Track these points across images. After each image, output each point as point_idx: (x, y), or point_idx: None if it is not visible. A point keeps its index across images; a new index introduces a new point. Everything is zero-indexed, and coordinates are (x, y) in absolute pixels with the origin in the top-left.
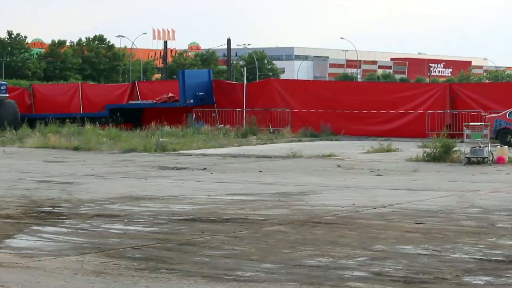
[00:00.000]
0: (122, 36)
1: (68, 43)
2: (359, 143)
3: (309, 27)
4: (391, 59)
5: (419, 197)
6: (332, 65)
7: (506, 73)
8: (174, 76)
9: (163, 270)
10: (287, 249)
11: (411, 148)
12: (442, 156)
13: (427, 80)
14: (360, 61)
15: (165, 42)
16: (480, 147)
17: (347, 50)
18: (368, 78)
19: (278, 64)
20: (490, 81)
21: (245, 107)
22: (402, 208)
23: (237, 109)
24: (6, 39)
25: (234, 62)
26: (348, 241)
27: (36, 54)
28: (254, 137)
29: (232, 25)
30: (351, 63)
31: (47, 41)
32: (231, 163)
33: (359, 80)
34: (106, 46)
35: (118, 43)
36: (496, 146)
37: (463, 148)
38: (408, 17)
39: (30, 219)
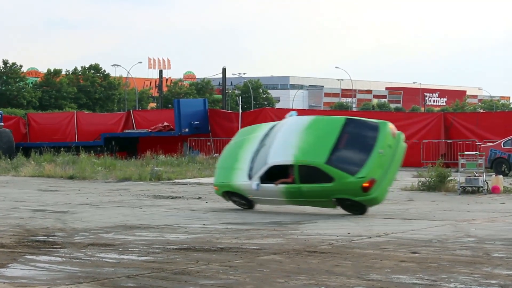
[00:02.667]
0: (118, 65)
1: (63, 72)
2: None
3: (304, 57)
4: (386, 88)
5: (414, 227)
6: (327, 94)
7: (500, 102)
8: (169, 105)
9: None
10: (282, 278)
11: (406, 177)
12: (437, 185)
13: (422, 109)
14: (355, 90)
15: (161, 71)
16: (475, 176)
17: (342, 79)
18: (363, 108)
19: (273, 93)
20: (484, 111)
21: None
22: (397, 238)
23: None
24: (1, 68)
25: (230, 91)
26: (343, 270)
27: (32, 83)
28: None
29: (227, 54)
30: (346, 92)
31: (43, 70)
32: None
33: (354, 109)
34: (101, 75)
35: (113, 72)
36: (491, 175)
37: (458, 178)
38: (403, 47)
39: (24, 248)
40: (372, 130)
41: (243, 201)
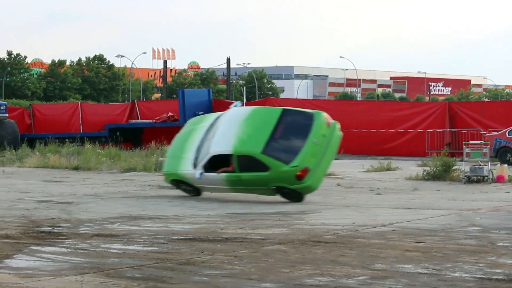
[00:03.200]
0: (122, 56)
1: (68, 63)
2: (358, 162)
3: (309, 46)
4: (391, 77)
5: (419, 216)
6: (332, 84)
7: (505, 91)
8: (174, 96)
9: None
10: (287, 268)
11: (411, 166)
12: (442, 175)
13: (427, 98)
14: (359, 80)
15: (165, 62)
16: (480, 165)
17: (346, 69)
18: (367, 97)
19: (277, 83)
20: (489, 100)
21: None
22: (402, 227)
23: None
24: (5, 59)
25: (234, 81)
26: (348, 260)
27: (36, 74)
28: None
29: (232, 45)
30: (350, 82)
31: (47, 61)
32: None
33: (358, 99)
34: (106, 65)
35: (118, 63)
36: (496, 164)
37: (463, 167)
38: (407, 36)
39: (29, 239)
40: (307, 120)
41: (190, 188)
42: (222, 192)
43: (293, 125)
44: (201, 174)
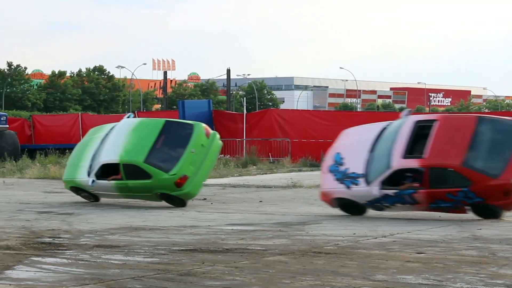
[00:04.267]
0: (122, 67)
1: (68, 74)
2: None
3: (309, 57)
4: (391, 88)
5: (419, 227)
6: (332, 95)
7: (505, 102)
8: (174, 107)
9: None
10: (288, 279)
11: None
12: None
13: (427, 109)
14: (359, 90)
15: (165, 73)
16: None
17: (346, 80)
18: (367, 108)
19: (277, 94)
20: (489, 111)
21: (245, 137)
22: (402, 238)
23: (237, 139)
24: (6, 70)
25: (234, 92)
26: (348, 271)
27: (36, 85)
28: (254, 167)
29: (232, 56)
30: (350, 93)
31: (47, 72)
32: (231, 193)
33: (358, 110)
34: (106, 76)
35: (118, 74)
36: None
37: None
38: (407, 47)
39: (30, 250)
40: (187, 131)
41: (88, 195)
42: (114, 198)
43: (174, 135)
44: (93, 181)
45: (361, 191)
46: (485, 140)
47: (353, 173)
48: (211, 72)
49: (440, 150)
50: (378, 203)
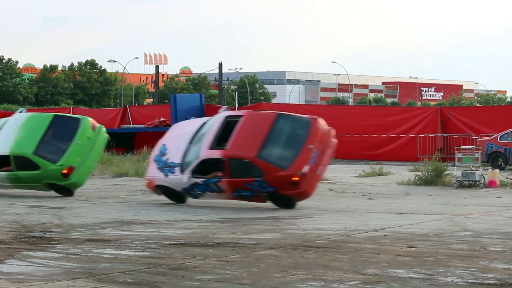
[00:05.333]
0: (114, 61)
1: (59, 68)
2: (350, 167)
3: (301, 51)
4: (383, 83)
5: (410, 221)
6: (324, 89)
7: (497, 96)
8: (166, 101)
9: None
10: (279, 273)
11: (402, 171)
12: (433, 180)
13: (419, 103)
14: (351, 85)
15: (157, 67)
16: (471, 170)
17: (338, 74)
18: (359, 102)
19: (269, 88)
20: (481, 105)
21: None
22: (393, 232)
23: None
24: None
25: (226, 86)
26: (340, 265)
27: (28, 79)
28: None
29: (224, 50)
30: (342, 87)
31: (39, 66)
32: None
33: (350, 104)
34: (97, 71)
35: (109, 68)
36: (487, 169)
37: (454, 172)
38: (399, 41)
39: (21, 244)
40: (74, 124)
41: None
42: (9, 188)
43: (61, 128)
44: None
45: (176, 179)
46: (280, 135)
47: (172, 162)
48: (203, 66)
49: (240, 143)
50: (191, 191)
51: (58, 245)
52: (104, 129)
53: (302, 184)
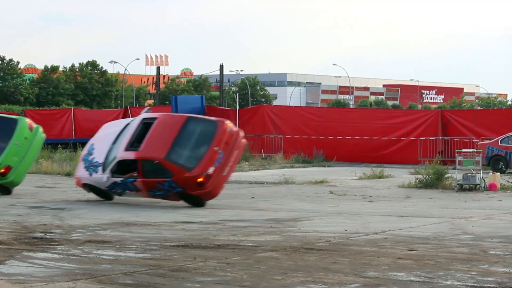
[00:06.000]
0: (115, 62)
1: (61, 69)
2: (351, 170)
3: (302, 54)
4: (384, 85)
5: (411, 224)
6: (325, 91)
7: (498, 99)
8: (167, 102)
9: None
10: (279, 275)
11: (403, 174)
12: (434, 183)
13: (420, 106)
14: (352, 87)
15: (158, 68)
16: (472, 173)
17: (339, 77)
18: (360, 105)
19: (270, 90)
20: (482, 108)
21: None
22: (394, 235)
23: None
24: None
25: (227, 88)
26: (340, 267)
27: (29, 79)
28: (247, 163)
29: (225, 51)
30: (343, 89)
31: (40, 66)
32: (223, 189)
33: (351, 106)
34: (99, 71)
35: (111, 69)
36: (488, 172)
37: (455, 175)
38: (400, 44)
39: (21, 245)
40: (11, 125)
41: None
42: None
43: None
44: None
45: (99, 178)
46: (188, 137)
47: (96, 162)
48: (204, 67)
49: (151, 145)
50: (113, 190)
51: (58, 246)
52: (41, 129)
53: (207, 185)
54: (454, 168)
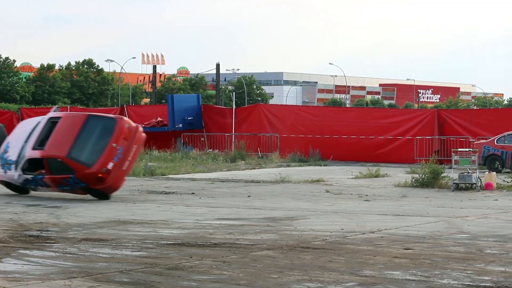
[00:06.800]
0: (111, 60)
1: (57, 67)
2: (347, 169)
3: (298, 53)
4: (380, 84)
5: (407, 223)
6: (321, 91)
7: (494, 99)
8: (163, 101)
9: None
10: (276, 274)
11: (399, 173)
12: (430, 182)
13: (416, 106)
14: (348, 86)
15: (154, 67)
16: (468, 173)
17: (336, 76)
18: (356, 104)
19: (267, 89)
20: (478, 108)
21: (234, 132)
22: (390, 234)
23: (226, 134)
24: None
25: (223, 87)
26: (336, 266)
27: (25, 78)
28: (243, 161)
29: (221, 50)
30: (339, 89)
31: (36, 65)
32: (220, 187)
33: (347, 105)
34: (95, 70)
35: (107, 67)
36: (484, 172)
37: (451, 174)
38: (396, 43)
39: (17, 243)
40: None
41: None
42: None
43: None
44: None
45: (13, 175)
46: (89, 135)
47: (11, 160)
48: (201, 66)
49: (55, 143)
50: (27, 186)
51: (54, 244)
52: (141, 128)
53: (108, 179)
54: (450, 168)
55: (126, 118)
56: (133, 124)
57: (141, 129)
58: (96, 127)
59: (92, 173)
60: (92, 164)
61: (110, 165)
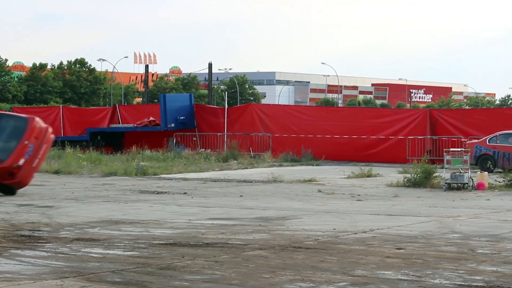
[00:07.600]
0: (103, 60)
1: (49, 67)
2: (339, 168)
3: (291, 52)
4: (372, 84)
5: (399, 223)
6: (313, 90)
7: (486, 99)
8: (155, 100)
9: None
10: (268, 273)
11: (391, 173)
12: (422, 182)
13: (408, 105)
14: (341, 86)
15: (146, 66)
16: (460, 173)
17: (328, 75)
18: (349, 104)
19: (259, 88)
20: (470, 107)
21: (226, 132)
22: (382, 234)
23: (218, 134)
24: None
25: (216, 86)
26: (328, 266)
27: (17, 77)
28: (235, 161)
29: (214, 50)
30: (332, 88)
31: (28, 64)
32: (212, 187)
33: (340, 105)
34: (87, 69)
35: (99, 67)
36: (476, 172)
37: (443, 174)
38: (389, 43)
39: (9, 243)
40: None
41: None
42: None
43: None
44: None
45: None
46: (1, 132)
47: None
48: (193, 66)
49: None
50: None
51: (46, 244)
52: (50, 129)
53: (18, 175)
54: (442, 167)
55: (37, 118)
56: (44, 125)
57: (50, 130)
58: (8, 125)
59: (3, 168)
60: (4, 160)
61: (21, 161)
